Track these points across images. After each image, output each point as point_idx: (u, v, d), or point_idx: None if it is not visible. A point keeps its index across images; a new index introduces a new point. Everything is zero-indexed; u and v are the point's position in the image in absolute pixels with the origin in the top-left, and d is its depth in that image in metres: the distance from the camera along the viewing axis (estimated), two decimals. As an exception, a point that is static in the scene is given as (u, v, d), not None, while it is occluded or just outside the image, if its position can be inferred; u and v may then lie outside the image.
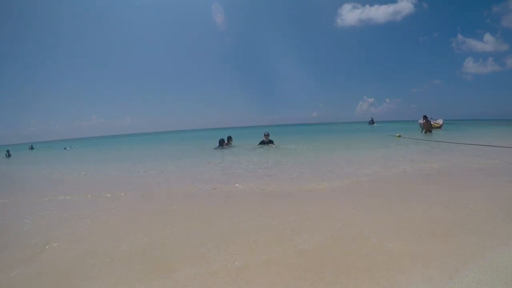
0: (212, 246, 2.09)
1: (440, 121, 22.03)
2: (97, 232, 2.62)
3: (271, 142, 10.83)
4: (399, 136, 12.02)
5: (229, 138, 11.61)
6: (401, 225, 2.35)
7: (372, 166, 5.38)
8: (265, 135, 10.94)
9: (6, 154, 17.92)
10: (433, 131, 15.11)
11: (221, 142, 11.10)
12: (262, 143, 10.76)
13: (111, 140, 39.03)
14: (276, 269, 1.72)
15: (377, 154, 7.32)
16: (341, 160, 6.53)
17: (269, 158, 7.43)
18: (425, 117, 15.00)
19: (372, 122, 35.97)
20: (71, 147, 27.44)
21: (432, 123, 29.13)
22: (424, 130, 14.87)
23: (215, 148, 10.94)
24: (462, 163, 5.49)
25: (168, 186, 4.89)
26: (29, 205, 3.96)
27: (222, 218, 2.83)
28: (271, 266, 1.76)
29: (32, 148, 27.80)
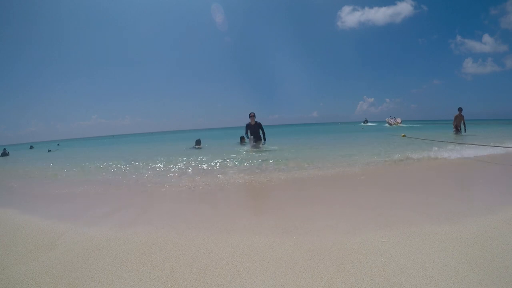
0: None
1: (399, 120, 31.19)
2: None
3: (261, 129, 8.17)
4: (404, 135, 12.36)
5: (242, 138, 11.52)
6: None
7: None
8: (250, 116, 8.06)
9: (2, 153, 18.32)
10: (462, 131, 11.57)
11: (198, 142, 11.14)
12: (248, 134, 8.26)
13: (106, 141, 39.09)
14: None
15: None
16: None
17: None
18: (459, 110, 11.29)
19: (366, 121, 42.79)
20: (58, 144, 28.37)
21: (393, 121, 32.23)
22: (454, 129, 11.66)
23: (190, 148, 11.08)
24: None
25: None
26: None
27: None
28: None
29: (32, 147, 28.55)
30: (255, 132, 8.43)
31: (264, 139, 8.49)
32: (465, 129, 11.37)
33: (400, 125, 28.68)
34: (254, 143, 8.50)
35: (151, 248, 2.12)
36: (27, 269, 1.89)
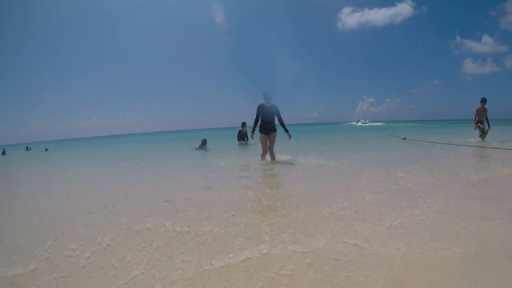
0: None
1: (367, 120, 42.73)
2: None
3: (276, 116, 5.51)
4: (404, 138, 11.71)
5: (242, 134, 11.49)
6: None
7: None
8: (265, 94, 5.55)
9: (1, 152, 18.68)
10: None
11: (204, 142, 11.03)
12: (265, 121, 5.48)
13: (106, 141, 38.90)
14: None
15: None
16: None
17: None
18: (483, 100, 8.76)
19: (358, 121, 47.06)
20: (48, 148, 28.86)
21: (363, 122, 40.55)
22: (480, 129, 8.77)
23: (195, 148, 10.78)
24: None
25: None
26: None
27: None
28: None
29: (28, 148, 28.77)
30: (269, 120, 5.53)
31: (286, 130, 5.67)
32: (488, 126, 8.75)
33: (368, 124, 40.85)
34: (267, 136, 5.55)
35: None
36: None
